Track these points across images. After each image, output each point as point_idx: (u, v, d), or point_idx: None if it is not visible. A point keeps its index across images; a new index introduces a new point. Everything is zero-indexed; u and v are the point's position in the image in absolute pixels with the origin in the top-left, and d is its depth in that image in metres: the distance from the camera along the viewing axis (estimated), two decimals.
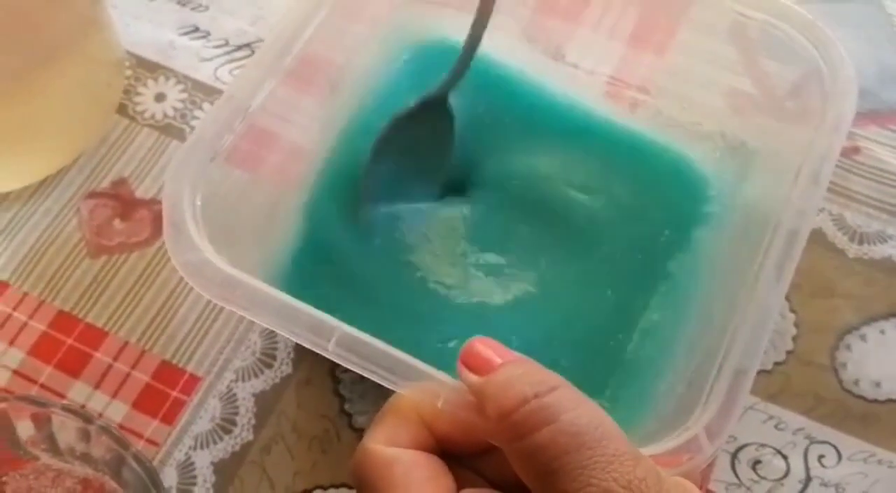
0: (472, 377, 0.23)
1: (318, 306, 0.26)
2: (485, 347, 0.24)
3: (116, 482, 0.31)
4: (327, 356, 0.26)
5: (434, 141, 0.35)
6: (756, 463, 0.35)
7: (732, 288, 0.30)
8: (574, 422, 0.21)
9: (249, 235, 0.34)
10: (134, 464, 0.28)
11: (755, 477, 0.35)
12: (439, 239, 0.35)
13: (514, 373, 0.23)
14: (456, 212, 0.36)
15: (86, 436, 0.29)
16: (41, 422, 0.30)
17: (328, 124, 0.38)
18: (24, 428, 0.30)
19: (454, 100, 0.35)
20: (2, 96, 0.35)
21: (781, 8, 0.34)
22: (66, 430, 0.30)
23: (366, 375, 0.25)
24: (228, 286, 0.27)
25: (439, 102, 0.34)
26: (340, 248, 0.34)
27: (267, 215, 0.35)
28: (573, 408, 0.21)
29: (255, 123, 0.32)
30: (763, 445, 0.35)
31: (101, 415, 0.35)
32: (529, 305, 0.34)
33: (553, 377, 0.23)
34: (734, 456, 0.35)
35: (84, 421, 0.29)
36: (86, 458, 0.31)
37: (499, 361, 0.23)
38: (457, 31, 0.35)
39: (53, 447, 0.31)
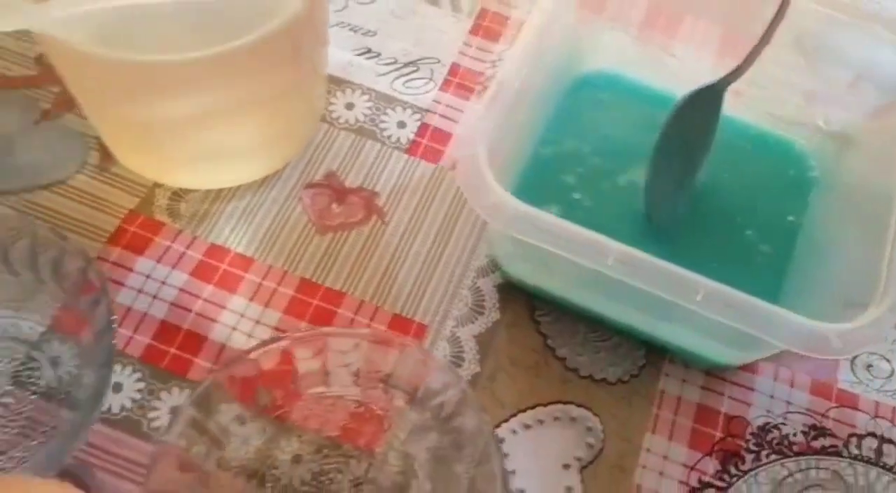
0: None
1: None
2: None
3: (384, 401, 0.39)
4: (606, 272, 0.34)
5: (702, 130, 0.43)
6: (868, 366, 0.44)
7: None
8: None
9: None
10: None
11: (869, 377, 0.44)
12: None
13: None
14: None
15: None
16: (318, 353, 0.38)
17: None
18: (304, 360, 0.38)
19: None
20: (253, 107, 0.43)
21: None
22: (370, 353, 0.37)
23: (642, 286, 0.34)
24: (527, 220, 0.35)
25: (716, 93, 0.42)
26: None
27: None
28: None
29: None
30: (872, 353, 0.44)
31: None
32: None
33: None
34: (852, 362, 0.44)
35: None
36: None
37: None
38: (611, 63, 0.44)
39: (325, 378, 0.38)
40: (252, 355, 0.37)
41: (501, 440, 0.40)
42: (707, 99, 0.42)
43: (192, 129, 0.42)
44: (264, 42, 0.38)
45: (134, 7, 0.30)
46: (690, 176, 0.44)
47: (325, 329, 0.40)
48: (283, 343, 0.38)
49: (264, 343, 0.38)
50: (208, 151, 0.44)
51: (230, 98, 0.41)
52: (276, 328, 0.43)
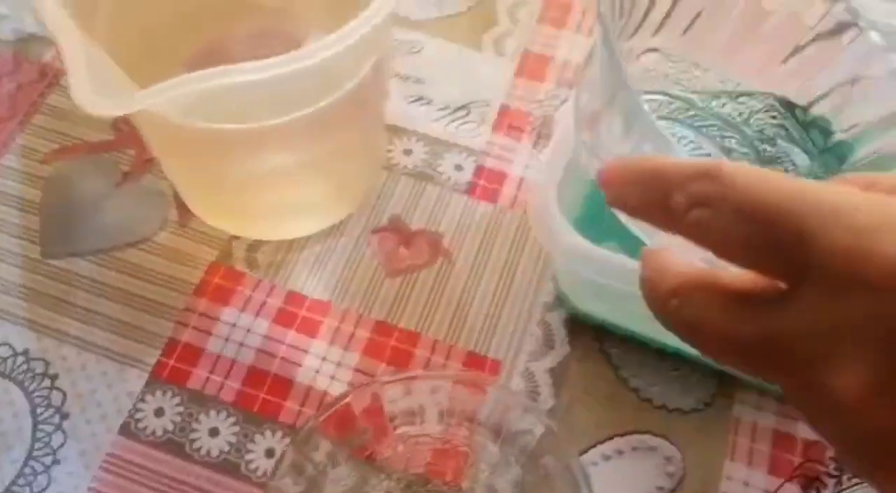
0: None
1: None
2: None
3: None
4: None
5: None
6: None
7: None
8: None
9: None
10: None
11: None
12: None
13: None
14: None
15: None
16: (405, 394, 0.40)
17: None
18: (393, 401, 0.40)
19: None
20: (322, 165, 0.45)
21: None
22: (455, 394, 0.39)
23: None
24: (599, 261, 0.37)
25: None
26: None
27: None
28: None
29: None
30: None
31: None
32: None
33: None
34: None
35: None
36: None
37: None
38: None
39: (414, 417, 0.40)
40: (347, 399, 0.39)
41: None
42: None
43: (265, 187, 0.45)
44: (331, 108, 0.40)
45: (223, 87, 0.33)
46: None
47: (413, 372, 0.42)
48: (373, 387, 0.40)
49: (356, 387, 0.40)
50: (279, 207, 0.46)
51: (298, 159, 0.43)
52: (357, 370, 0.45)
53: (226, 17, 0.50)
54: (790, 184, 0.21)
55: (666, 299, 0.24)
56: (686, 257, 0.25)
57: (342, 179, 0.47)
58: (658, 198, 0.23)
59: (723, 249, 0.22)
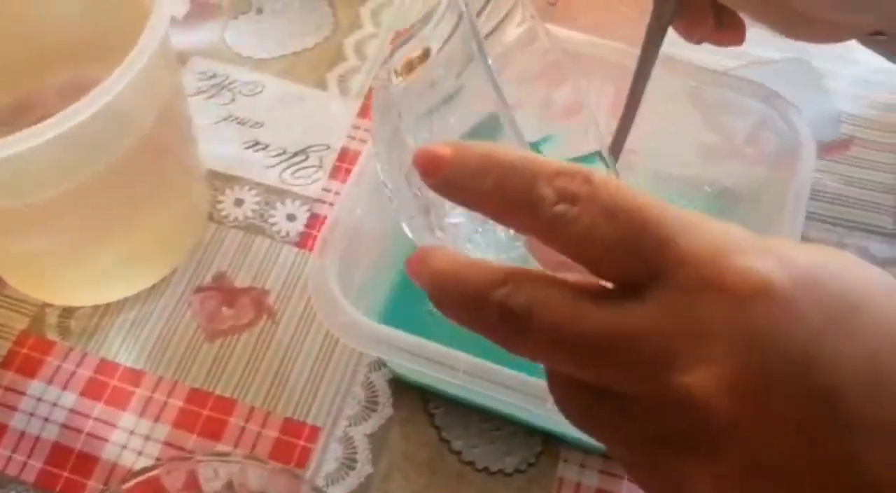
0: None
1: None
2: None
3: None
4: (457, 382, 0.34)
5: None
6: None
7: None
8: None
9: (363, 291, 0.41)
10: None
11: None
12: None
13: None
14: None
15: (263, 476, 0.37)
16: (220, 474, 0.37)
17: None
18: (210, 484, 0.38)
19: None
20: (125, 223, 0.43)
21: (726, 79, 0.44)
22: (245, 474, 0.37)
23: (493, 394, 0.33)
24: (377, 340, 0.35)
25: None
26: None
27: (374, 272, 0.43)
28: None
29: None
30: None
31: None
32: None
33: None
34: None
35: (261, 464, 0.36)
36: None
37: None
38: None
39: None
40: (156, 471, 0.37)
41: None
42: None
43: (70, 253, 0.43)
44: (119, 163, 0.38)
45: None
46: None
47: (198, 456, 0.39)
48: (153, 473, 0.37)
49: (134, 475, 0.38)
50: (91, 271, 0.44)
51: (99, 220, 0.41)
52: (167, 443, 0.43)
53: (37, 68, 0.48)
54: (655, 198, 0.22)
55: (487, 289, 0.23)
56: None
57: (156, 236, 0.45)
58: (521, 186, 0.23)
59: (580, 246, 0.22)
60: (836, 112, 0.54)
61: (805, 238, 0.48)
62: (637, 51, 0.43)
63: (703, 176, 0.48)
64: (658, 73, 0.41)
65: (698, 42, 0.42)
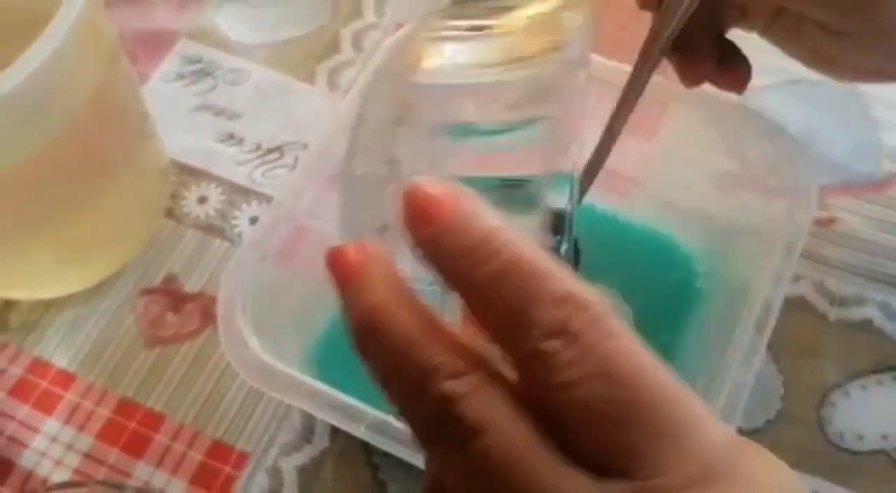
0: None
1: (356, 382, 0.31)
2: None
3: None
4: (360, 437, 0.30)
5: None
6: None
7: (716, 358, 0.34)
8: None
9: (291, 323, 0.38)
10: None
11: None
12: None
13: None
14: None
15: None
16: None
17: None
18: None
19: None
20: (61, 216, 0.40)
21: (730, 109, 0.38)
22: None
23: (393, 452, 0.29)
24: (271, 377, 0.31)
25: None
26: None
27: (305, 305, 0.40)
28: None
29: (296, 224, 0.36)
30: None
31: (163, 492, 0.39)
32: None
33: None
34: None
35: None
36: None
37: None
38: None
39: None
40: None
41: None
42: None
43: (4, 244, 0.40)
44: (44, 155, 0.35)
45: None
46: None
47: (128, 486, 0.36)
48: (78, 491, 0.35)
49: (59, 486, 0.35)
50: (28, 264, 0.42)
51: (32, 212, 0.38)
52: (87, 455, 0.40)
53: None
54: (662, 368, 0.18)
55: (437, 373, 0.19)
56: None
57: (100, 232, 0.42)
58: (517, 294, 0.18)
59: (558, 399, 0.18)
60: (879, 145, 0.48)
61: (819, 288, 0.43)
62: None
63: (710, 208, 0.42)
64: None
65: (694, 84, 0.37)
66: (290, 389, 0.31)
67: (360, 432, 0.30)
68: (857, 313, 0.42)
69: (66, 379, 0.42)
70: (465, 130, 0.29)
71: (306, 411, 0.39)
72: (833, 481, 0.38)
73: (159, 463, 0.40)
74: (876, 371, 0.41)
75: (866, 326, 0.42)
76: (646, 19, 0.36)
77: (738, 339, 0.33)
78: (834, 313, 0.42)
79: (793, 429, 0.40)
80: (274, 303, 0.36)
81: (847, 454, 0.39)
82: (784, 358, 0.41)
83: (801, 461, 0.39)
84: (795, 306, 0.42)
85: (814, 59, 0.36)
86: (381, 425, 0.30)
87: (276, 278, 0.37)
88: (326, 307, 0.40)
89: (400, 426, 0.30)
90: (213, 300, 0.43)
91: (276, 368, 0.31)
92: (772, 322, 0.34)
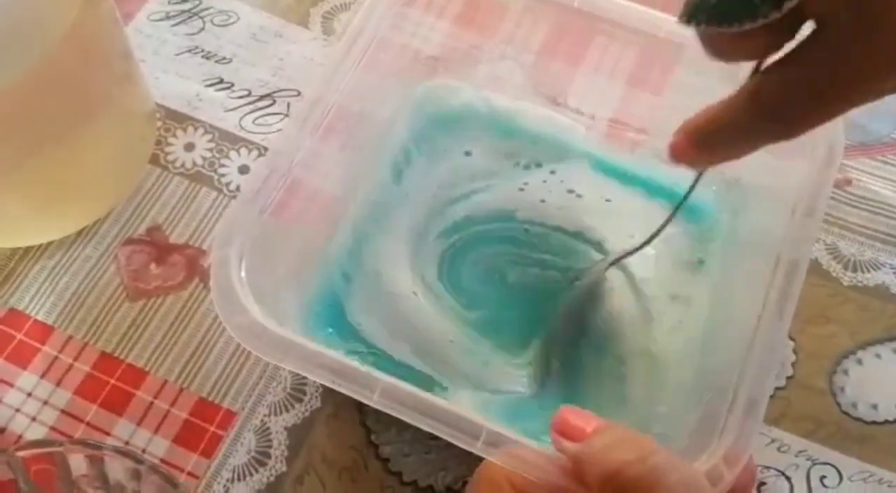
0: (569, 445, 0.24)
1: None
2: (575, 416, 0.24)
3: None
4: (372, 406, 0.28)
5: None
6: (761, 485, 0.37)
7: (738, 320, 0.32)
8: (682, 481, 0.22)
9: (288, 280, 0.36)
10: None
11: None
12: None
13: (612, 438, 0.23)
14: None
15: (136, 475, 0.32)
16: (94, 462, 0.32)
17: (348, 171, 0.40)
18: (78, 468, 0.33)
19: None
20: (43, 156, 0.37)
21: None
22: (117, 470, 0.32)
23: (407, 420, 0.27)
24: (279, 346, 0.29)
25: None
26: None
27: (304, 260, 0.38)
28: (676, 469, 0.22)
29: (293, 177, 0.34)
30: (767, 467, 0.37)
31: (144, 451, 0.37)
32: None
33: (648, 441, 0.23)
34: None
35: (135, 461, 0.31)
36: None
37: (590, 428, 0.24)
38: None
39: (105, 486, 0.33)
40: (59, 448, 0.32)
41: None
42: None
43: None
44: (15, 89, 0.32)
45: None
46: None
47: (105, 445, 0.34)
48: (53, 450, 0.32)
49: (32, 445, 0.33)
50: (4, 209, 0.39)
51: (8, 151, 0.36)
52: (65, 412, 0.38)
53: None
54: None
55: None
56: None
57: (80, 177, 0.40)
58: None
59: None
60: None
61: (833, 251, 0.41)
62: (665, 15, 0.36)
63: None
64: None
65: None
66: (301, 359, 0.28)
67: (373, 401, 0.27)
68: (871, 278, 0.41)
69: (43, 331, 0.40)
70: None
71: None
72: (846, 451, 0.37)
73: (140, 421, 0.38)
74: (891, 339, 0.39)
75: (881, 291, 0.40)
76: None
77: (761, 307, 0.31)
78: (847, 278, 0.41)
79: (804, 397, 0.38)
80: (270, 260, 0.34)
81: (860, 424, 0.38)
82: (795, 323, 0.39)
83: (813, 431, 0.37)
84: (808, 269, 0.40)
85: None
86: (397, 392, 0.27)
87: (272, 233, 0.35)
88: (319, 261, 0.38)
89: (409, 389, 0.28)
90: (199, 252, 0.41)
91: (285, 338, 0.28)
92: (796, 292, 0.32)
